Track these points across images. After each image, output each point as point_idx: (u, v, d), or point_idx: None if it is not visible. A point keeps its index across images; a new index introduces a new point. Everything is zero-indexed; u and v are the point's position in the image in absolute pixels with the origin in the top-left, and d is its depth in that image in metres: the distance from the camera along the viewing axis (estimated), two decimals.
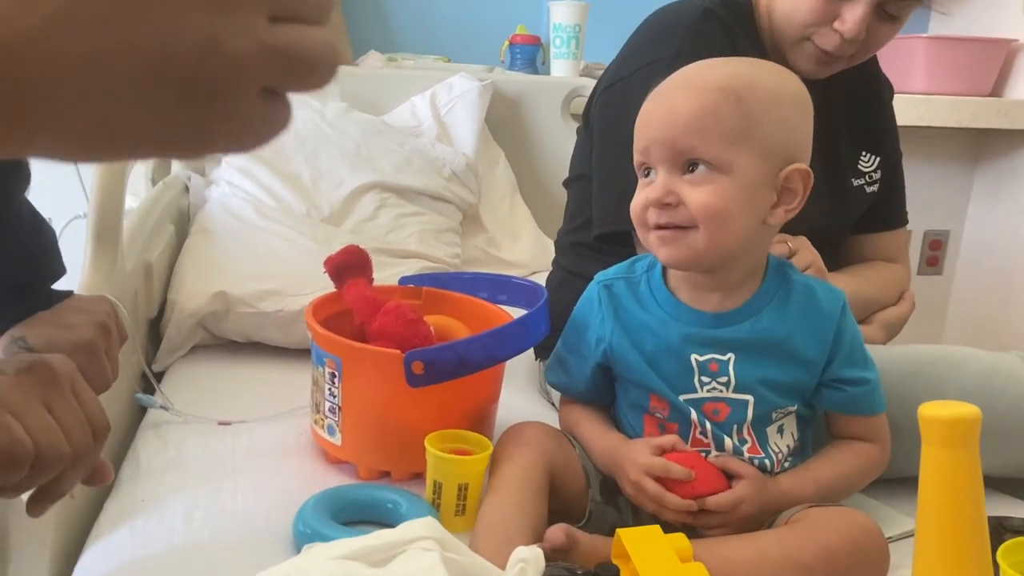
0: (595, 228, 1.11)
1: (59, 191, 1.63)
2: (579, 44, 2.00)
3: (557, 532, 0.75)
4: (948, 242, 2.27)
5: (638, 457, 0.82)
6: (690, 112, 0.79)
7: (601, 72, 1.99)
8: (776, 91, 0.81)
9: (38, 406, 0.53)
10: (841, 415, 0.88)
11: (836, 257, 1.18)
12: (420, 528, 0.63)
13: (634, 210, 0.82)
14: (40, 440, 0.52)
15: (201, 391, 1.14)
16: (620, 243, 1.06)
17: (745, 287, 0.85)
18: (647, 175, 0.82)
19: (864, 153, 1.18)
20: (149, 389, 1.12)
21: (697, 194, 0.78)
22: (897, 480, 0.92)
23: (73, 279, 0.98)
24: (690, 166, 0.79)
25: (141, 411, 1.06)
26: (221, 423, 1.04)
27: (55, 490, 0.55)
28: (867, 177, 1.19)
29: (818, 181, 1.11)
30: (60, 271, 0.77)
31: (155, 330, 1.26)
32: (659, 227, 0.80)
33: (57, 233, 1.56)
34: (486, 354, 0.90)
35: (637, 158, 0.83)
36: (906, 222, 1.26)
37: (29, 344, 0.69)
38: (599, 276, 0.90)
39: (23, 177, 0.74)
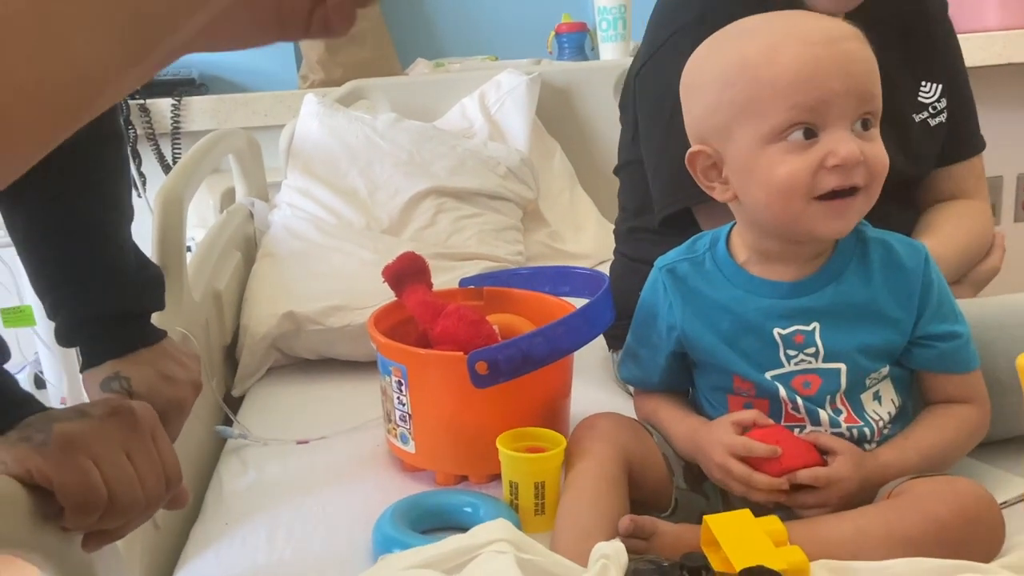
0: (657, 212, 1.06)
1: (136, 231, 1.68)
2: (626, 25, 1.96)
3: (623, 521, 0.72)
4: None
5: (721, 437, 0.78)
6: (869, 62, 0.73)
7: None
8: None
9: (119, 453, 0.54)
10: (935, 376, 0.82)
11: (911, 197, 1.10)
12: (493, 531, 0.62)
13: (793, 178, 0.72)
14: (115, 488, 0.52)
15: (279, 412, 1.16)
16: (685, 224, 1.01)
17: (822, 251, 0.80)
18: (808, 137, 0.71)
19: (923, 83, 1.08)
20: (229, 416, 1.14)
21: (876, 149, 0.73)
22: (1003, 441, 0.85)
23: None
24: (866, 121, 0.73)
25: (223, 441, 1.08)
26: (299, 442, 1.04)
27: (117, 533, 0.55)
28: (930, 109, 1.08)
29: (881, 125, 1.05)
30: (161, 305, 0.78)
31: (231, 356, 1.28)
32: (835, 194, 0.72)
33: None
34: (550, 348, 0.88)
35: (791, 117, 0.71)
36: (982, 147, 1.14)
37: (131, 387, 0.70)
38: (659, 261, 0.86)
39: (127, 213, 0.76)
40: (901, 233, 0.84)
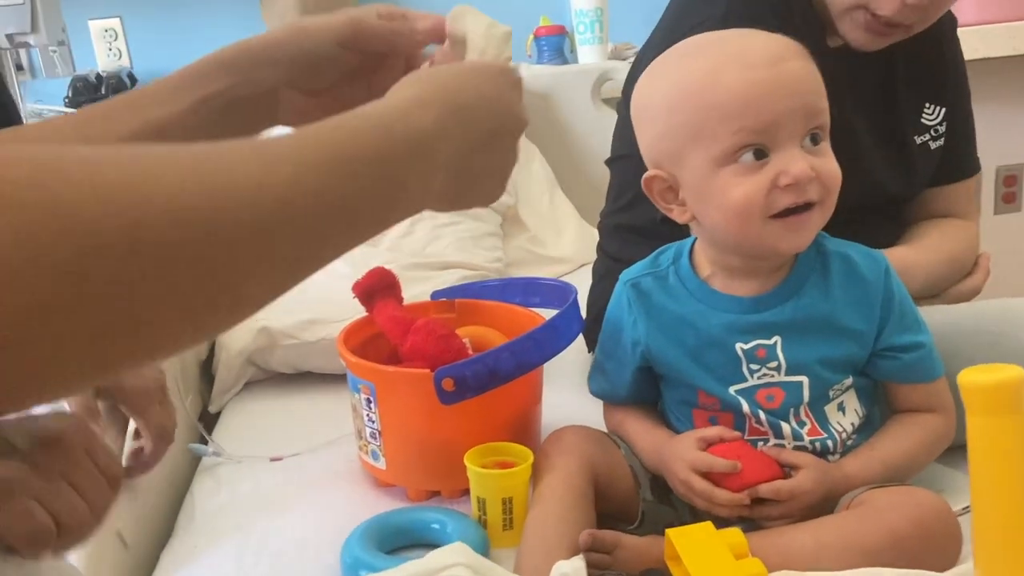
0: (659, 213, 1.06)
1: None
2: (603, 27, 1.96)
3: (583, 536, 0.73)
4: (1023, 176, 2.14)
5: (684, 454, 0.79)
6: (812, 78, 0.74)
7: (630, 51, 1.96)
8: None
9: (58, 483, 0.54)
10: (900, 386, 0.82)
11: (901, 213, 1.10)
12: (449, 555, 0.62)
13: (748, 199, 0.72)
14: (64, 519, 0.53)
15: (255, 428, 1.16)
16: (680, 224, 1.01)
17: (783, 265, 0.80)
18: (759, 157, 0.72)
19: (927, 105, 1.07)
20: (208, 432, 1.14)
21: (827, 164, 0.74)
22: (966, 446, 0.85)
23: None
24: (815, 136, 0.73)
25: (197, 459, 1.08)
26: (273, 459, 1.05)
27: (76, 542, 0.56)
28: (931, 132, 1.07)
29: (878, 145, 1.05)
30: None
31: (208, 372, 1.29)
32: (789, 212, 0.72)
33: None
34: (517, 362, 0.88)
35: (740, 140, 0.72)
36: (977, 169, 1.14)
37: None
38: (624, 275, 0.87)
39: None
40: (888, 246, 0.85)
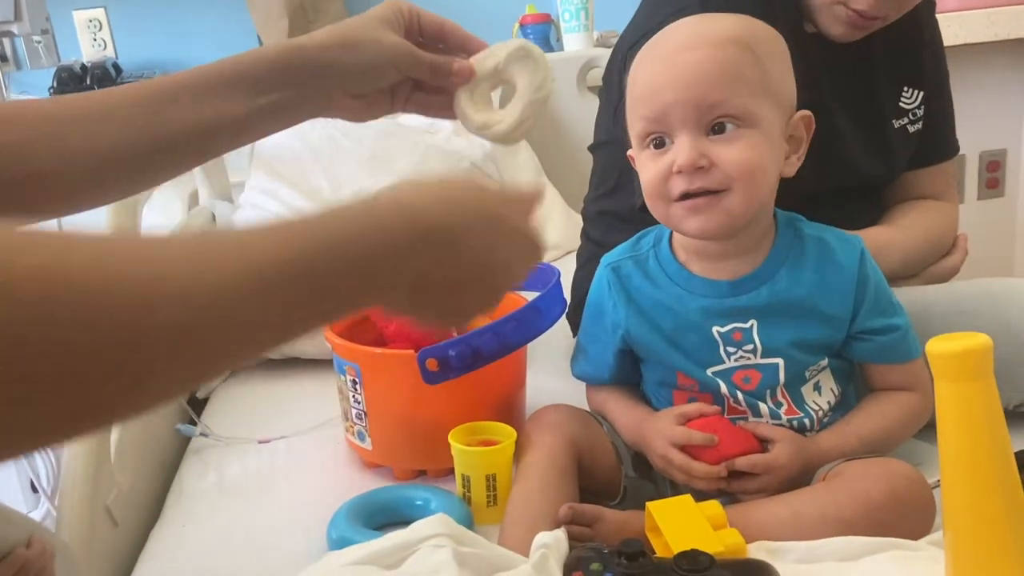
0: (638, 197, 1.07)
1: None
2: (589, 15, 1.96)
3: (562, 509, 0.74)
4: (1007, 161, 2.16)
5: (663, 428, 0.80)
6: (715, 67, 0.74)
7: (615, 40, 1.96)
8: (774, 41, 0.79)
9: None
10: (877, 365, 0.84)
11: (880, 196, 1.11)
12: (431, 526, 0.63)
13: (650, 184, 0.77)
14: None
15: (243, 412, 1.17)
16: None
17: (758, 249, 0.82)
18: (660, 145, 0.77)
19: (906, 89, 1.08)
20: (192, 418, 1.15)
21: (730, 152, 0.74)
22: None
23: None
24: (716, 127, 0.74)
25: (185, 440, 1.09)
26: (261, 441, 1.06)
27: None
28: (910, 115, 1.08)
29: (857, 129, 1.06)
30: None
31: None
32: (687, 196, 0.75)
33: None
34: (500, 343, 0.89)
35: (644, 127, 0.77)
36: (955, 152, 1.15)
37: None
38: (605, 259, 0.88)
39: None
40: (867, 227, 0.86)
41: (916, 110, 1.09)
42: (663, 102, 0.75)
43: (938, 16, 1.78)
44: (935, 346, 0.56)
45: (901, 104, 1.09)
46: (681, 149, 0.74)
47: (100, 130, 0.60)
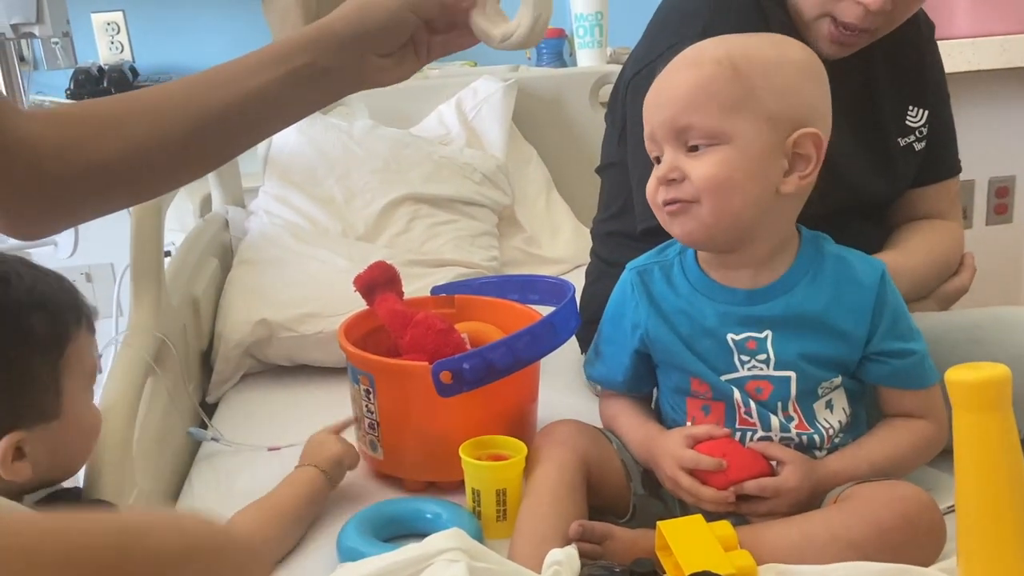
0: (639, 223, 1.09)
1: (113, 240, 1.69)
2: (603, 31, 1.98)
3: (573, 527, 0.75)
4: (1015, 188, 2.16)
5: (672, 450, 0.80)
6: (684, 88, 0.78)
7: (627, 57, 1.98)
8: (775, 59, 0.79)
9: None
10: (891, 390, 0.84)
11: (885, 217, 1.12)
12: (445, 540, 0.63)
13: (648, 194, 0.82)
14: None
15: (252, 419, 1.17)
16: (664, 236, 1.04)
17: (778, 262, 0.82)
18: (659, 161, 0.82)
19: (911, 108, 1.09)
20: (204, 422, 1.15)
21: (698, 168, 0.77)
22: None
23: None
24: (692, 145, 0.78)
25: (197, 444, 1.10)
26: (271, 449, 1.06)
27: None
28: (916, 134, 1.09)
29: (858, 148, 1.07)
30: None
31: (207, 362, 1.30)
32: (666, 203, 0.80)
33: (118, 279, 1.61)
34: (515, 357, 0.90)
35: (648, 146, 0.82)
36: (958, 170, 1.16)
37: None
38: (631, 264, 0.90)
39: None
40: (871, 249, 0.87)
41: (922, 128, 1.10)
42: (651, 122, 0.81)
43: (952, 42, 1.80)
44: (954, 375, 0.56)
45: (907, 122, 1.09)
46: (664, 164, 0.80)
47: (157, 118, 0.64)
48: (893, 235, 1.11)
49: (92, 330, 0.78)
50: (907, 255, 1.05)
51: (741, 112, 0.76)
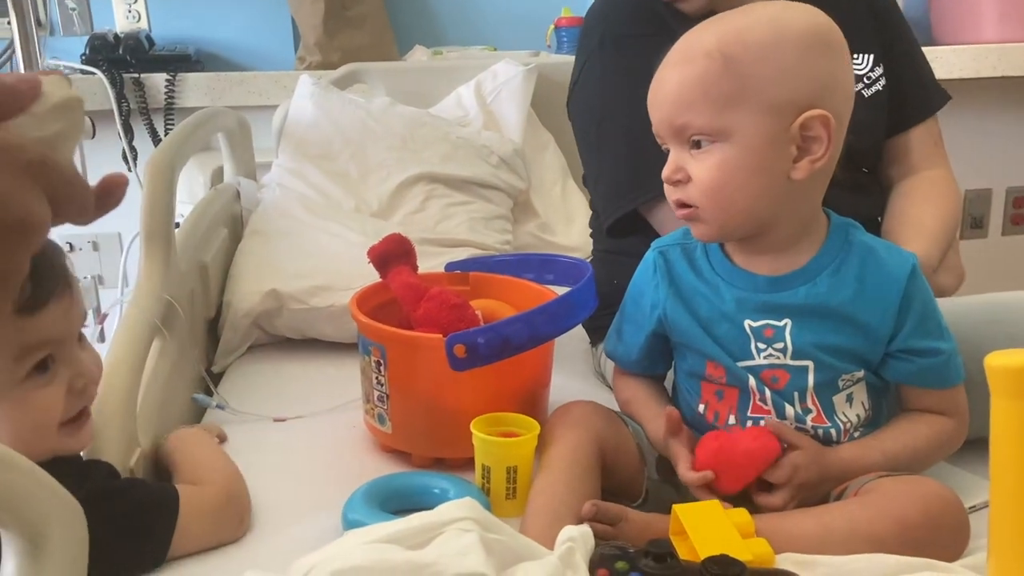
0: (604, 223, 1.10)
1: (122, 209, 1.67)
2: None
3: (586, 506, 0.73)
4: None
5: (682, 474, 0.79)
6: (676, 87, 0.77)
7: None
8: (772, 39, 0.74)
9: None
10: (913, 387, 0.82)
11: (863, 181, 1.08)
12: (458, 509, 0.62)
13: (665, 187, 0.81)
14: None
15: (258, 389, 1.15)
16: (631, 229, 1.05)
17: (802, 249, 0.80)
18: (667, 152, 0.81)
19: (854, 56, 1.00)
20: (209, 390, 1.13)
21: (700, 170, 0.77)
22: (978, 442, 0.85)
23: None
24: (695, 142, 0.77)
25: (201, 411, 1.08)
26: (276, 419, 1.04)
27: None
28: (864, 80, 1.07)
29: None
30: None
31: (214, 332, 1.28)
32: (675, 205, 0.80)
33: (125, 248, 1.59)
34: (530, 334, 0.88)
35: (657, 139, 0.81)
36: (935, 108, 1.12)
37: None
38: (655, 243, 0.88)
39: None
40: (857, 218, 0.84)
41: (869, 73, 1.08)
42: (654, 119, 0.80)
43: (978, 47, 1.77)
44: (995, 360, 0.54)
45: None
46: (668, 162, 0.79)
47: None
48: (891, 207, 1.08)
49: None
50: (925, 244, 1.00)
51: (738, 105, 0.74)
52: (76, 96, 0.40)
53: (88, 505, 0.53)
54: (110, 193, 0.41)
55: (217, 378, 1.20)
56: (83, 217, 0.39)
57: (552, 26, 2.06)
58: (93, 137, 1.57)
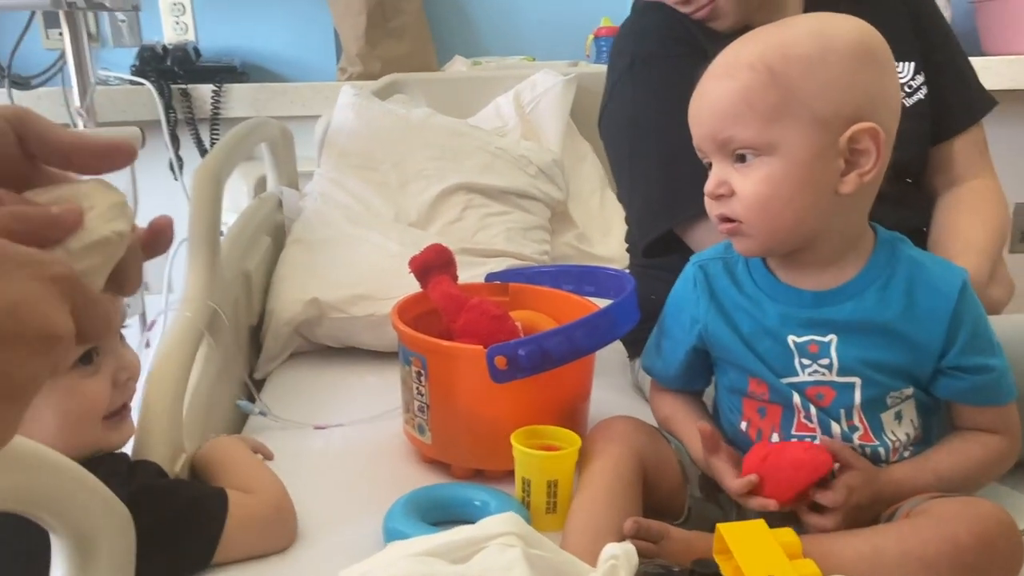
0: (640, 244, 1.09)
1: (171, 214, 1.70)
2: None
3: (627, 523, 0.72)
4: None
5: (727, 484, 0.78)
6: (720, 101, 0.75)
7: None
8: (818, 53, 0.73)
9: None
10: (964, 405, 0.80)
11: (907, 195, 1.06)
12: (502, 524, 0.61)
13: (707, 202, 0.80)
14: None
15: (299, 397, 1.16)
16: (668, 250, 1.04)
17: (848, 263, 0.79)
18: (711, 166, 0.79)
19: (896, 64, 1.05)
20: (252, 396, 1.15)
21: (746, 185, 0.75)
22: None
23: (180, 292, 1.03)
24: (739, 156, 0.75)
25: (243, 418, 1.09)
26: (317, 427, 1.05)
27: None
28: (905, 88, 1.04)
29: None
30: None
31: (256, 339, 1.29)
32: (719, 219, 0.78)
33: (170, 255, 1.63)
34: (571, 346, 0.88)
35: (699, 154, 0.80)
36: (977, 116, 1.09)
37: None
38: (695, 258, 0.87)
39: None
40: (902, 231, 0.82)
41: (911, 82, 1.06)
42: (696, 134, 0.78)
43: (1007, 59, 1.72)
44: None
45: None
46: (711, 175, 0.77)
47: None
48: (937, 220, 1.05)
49: None
50: (975, 258, 0.97)
51: (783, 119, 0.72)
52: (116, 231, 0.38)
53: (136, 502, 0.53)
54: (158, 237, 0.42)
55: (258, 385, 1.22)
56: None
57: (591, 36, 2.06)
58: (143, 146, 1.61)
